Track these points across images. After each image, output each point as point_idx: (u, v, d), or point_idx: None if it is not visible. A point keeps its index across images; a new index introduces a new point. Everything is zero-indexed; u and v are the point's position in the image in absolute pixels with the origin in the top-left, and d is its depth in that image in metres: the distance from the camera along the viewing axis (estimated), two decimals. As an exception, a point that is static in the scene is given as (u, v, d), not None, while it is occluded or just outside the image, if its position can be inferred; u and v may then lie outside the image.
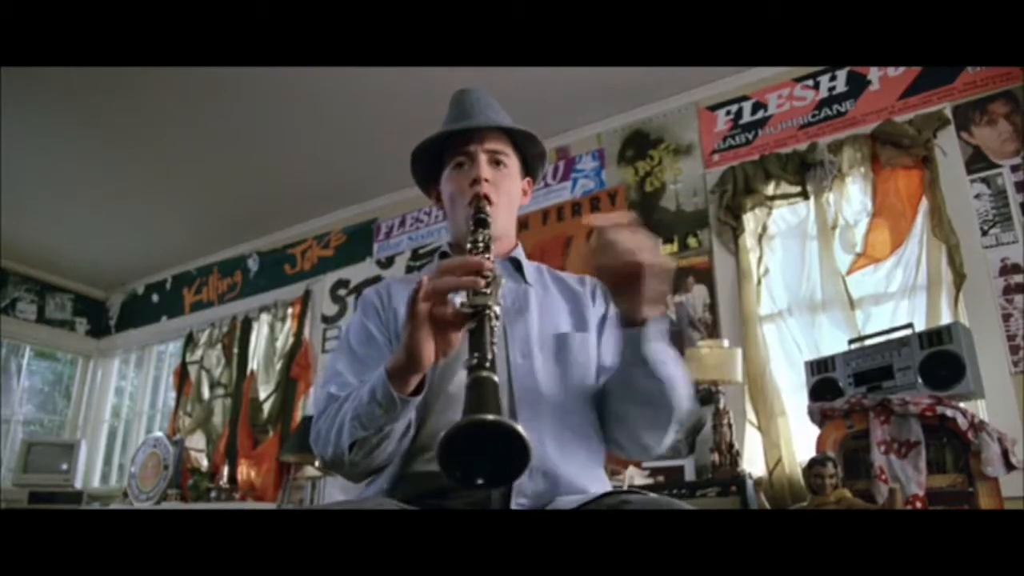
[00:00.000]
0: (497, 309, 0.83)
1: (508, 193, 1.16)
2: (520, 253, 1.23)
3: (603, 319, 1.16)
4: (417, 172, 1.24)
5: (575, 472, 1.00)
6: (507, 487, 0.93)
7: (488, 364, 0.75)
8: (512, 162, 1.18)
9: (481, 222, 1.05)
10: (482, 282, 0.85)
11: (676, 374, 0.99)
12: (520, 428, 0.66)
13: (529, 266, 1.22)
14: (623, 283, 0.92)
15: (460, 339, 0.88)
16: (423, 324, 0.86)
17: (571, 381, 1.06)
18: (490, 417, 0.66)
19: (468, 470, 0.69)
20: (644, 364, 0.96)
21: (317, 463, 3.41)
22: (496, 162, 1.16)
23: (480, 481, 0.70)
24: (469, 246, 0.98)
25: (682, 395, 1.00)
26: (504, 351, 1.03)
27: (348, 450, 0.94)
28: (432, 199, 1.26)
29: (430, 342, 0.87)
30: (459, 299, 0.86)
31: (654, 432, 1.04)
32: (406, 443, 0.97)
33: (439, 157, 1.20)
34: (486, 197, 1.10)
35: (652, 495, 0.90)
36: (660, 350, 0.97)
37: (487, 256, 0.95)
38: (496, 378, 0.73)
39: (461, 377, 0.92)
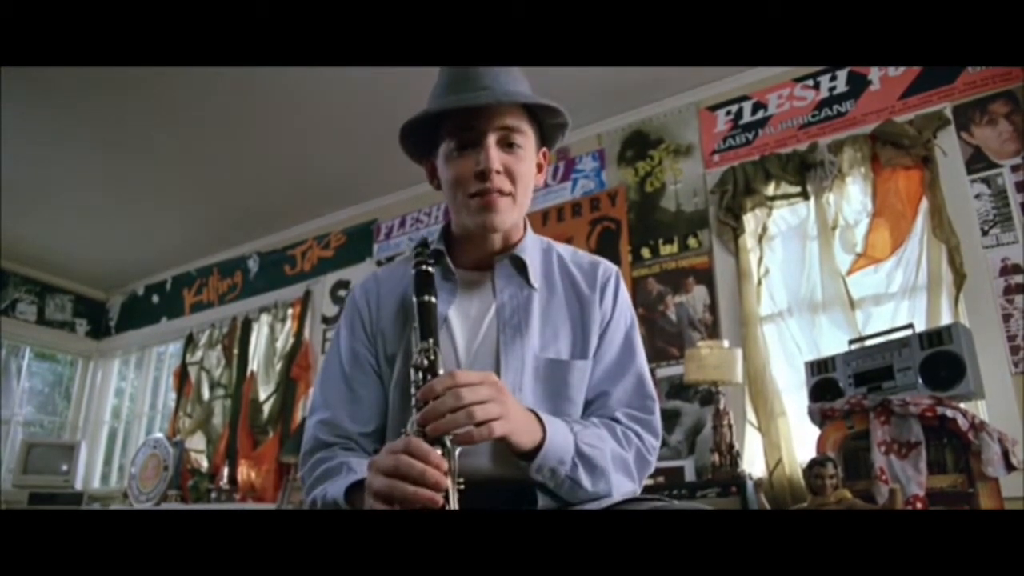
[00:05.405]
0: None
1: (522, 180, 0.99)
2: (526, 247, 1.07)
3: (606, 324, 1.05)
4: (408, 144, 1.05)
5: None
6: None
7: None
8: (528, 140, 1.01)
9: (426, 331, 0.88)
10: (439, 500, 0.75)
11: (590, 492, 0.91)
12: None
13: (535, 261, 1.07)
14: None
15: None
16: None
17: (561, 414, 0.97)
18: None
19: None
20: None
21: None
22: (509, 144, 0.98)
23: None
24: (413, 403, 0.83)
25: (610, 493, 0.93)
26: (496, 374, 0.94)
27: None
28: (425, 171, 1.08)
29: None
30: (410, 425, 0.81)
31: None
32: None
33: (436, 122, 1.00)
34: (498, 191, 0.96)
35: (666, 501, 0.87)
36: (562, 479, 0.89)
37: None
38: None
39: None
